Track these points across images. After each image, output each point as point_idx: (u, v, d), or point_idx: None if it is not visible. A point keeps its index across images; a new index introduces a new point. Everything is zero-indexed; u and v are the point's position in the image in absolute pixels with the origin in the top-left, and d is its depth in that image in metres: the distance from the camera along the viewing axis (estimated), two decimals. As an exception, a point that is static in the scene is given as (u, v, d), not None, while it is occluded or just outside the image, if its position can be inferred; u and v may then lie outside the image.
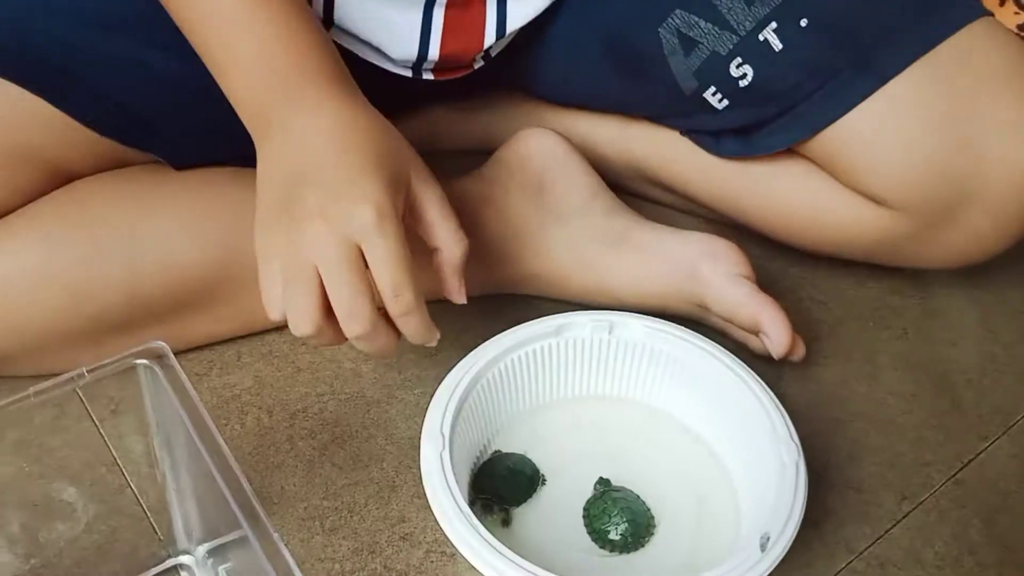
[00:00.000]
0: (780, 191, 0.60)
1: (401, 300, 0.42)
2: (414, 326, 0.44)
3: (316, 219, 0.41)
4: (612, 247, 0.59)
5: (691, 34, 0.55)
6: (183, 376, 0.39)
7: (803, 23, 0.53)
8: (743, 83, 0.55)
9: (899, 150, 0.53)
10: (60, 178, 0.53)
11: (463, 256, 0.47)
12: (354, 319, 0.42)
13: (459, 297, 0.48)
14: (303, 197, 0.42)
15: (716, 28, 0.54)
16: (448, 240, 0.46)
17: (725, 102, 0.56)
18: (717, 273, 0.56)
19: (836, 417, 0.57)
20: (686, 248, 0.57)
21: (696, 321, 0.58)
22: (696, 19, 0.54)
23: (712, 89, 0.56)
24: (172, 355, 0.40)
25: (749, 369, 0.50)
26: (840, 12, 0.54)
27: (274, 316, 0.44)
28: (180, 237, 0.53)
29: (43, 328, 0.52)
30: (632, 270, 0.58)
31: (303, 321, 0.42)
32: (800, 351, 0.56)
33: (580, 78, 0.62)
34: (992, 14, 0.54)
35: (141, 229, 0.53)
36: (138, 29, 0.51)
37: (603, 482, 0.50)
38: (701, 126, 0.60)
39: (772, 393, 0.49)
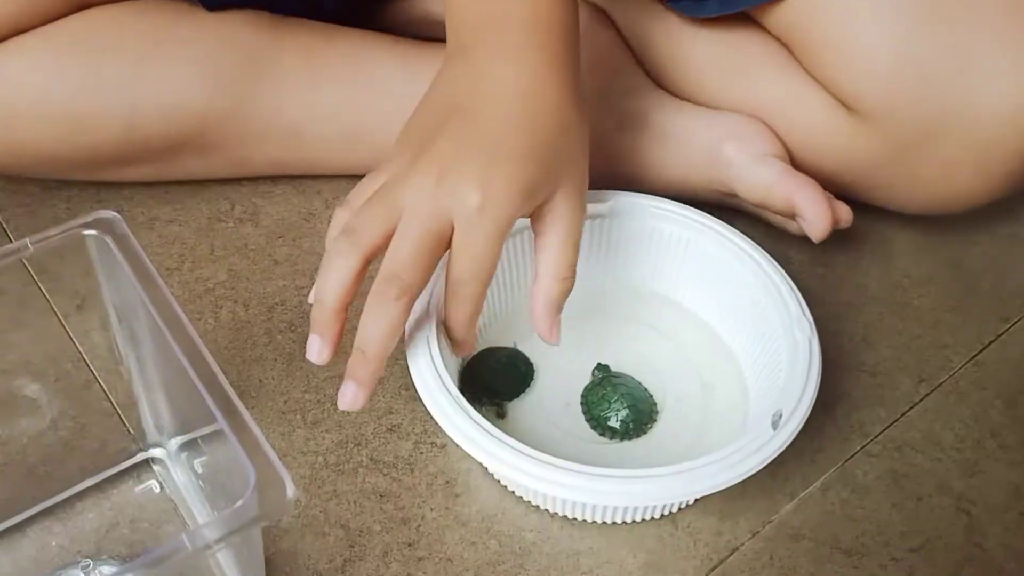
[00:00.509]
0: (757, 85, 0.54)
1: (461, 292, 0.39)
2: (462, 323, 0.40)
3: (433, 172, 0.37)
4: (630, 132, 0.55)
5: None
6: (137, 247, 0.36)
7: None
8: None
9: (877, 40, 0.47)
10: (79, 3, 0.52)
11: (562, 295, 0.41)
12: (393, 279, 0.37)
13: (549, 336, 0.41)
14: (443, 140, 0.38)
15: None
16: (553, 271, 0.40)
17: None
18: (743, 155, 0.51)
19: (848, 301, 0.54)
20: (710, 131, 0.53)
21: (732, 209, 0.54)
22: None
23: None
24: (125, 224, 0.37)
25: (761, 249, 0.47)
26: None
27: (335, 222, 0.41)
28: (186, 79, 0.52)
29: (39, 151, 0.52)
30: (651, 156, 0.54)
31: (339, 264, 0.38)
32: (846, 216, 0.51)
33: None
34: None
35: (148, 65, 0.51)
36: None
37: (601, 368, 0.47)
38: None
39: (784, 272, 0.46)
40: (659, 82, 0.58)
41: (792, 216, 0.51)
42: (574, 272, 0.41)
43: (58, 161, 0.53)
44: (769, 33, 0.54)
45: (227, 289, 0.53)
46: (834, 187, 0.53)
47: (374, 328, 0.38)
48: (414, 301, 0.38)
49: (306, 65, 0.56)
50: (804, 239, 0.52)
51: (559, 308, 0.41)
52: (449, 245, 0.38)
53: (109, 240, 0.36)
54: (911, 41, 0.46)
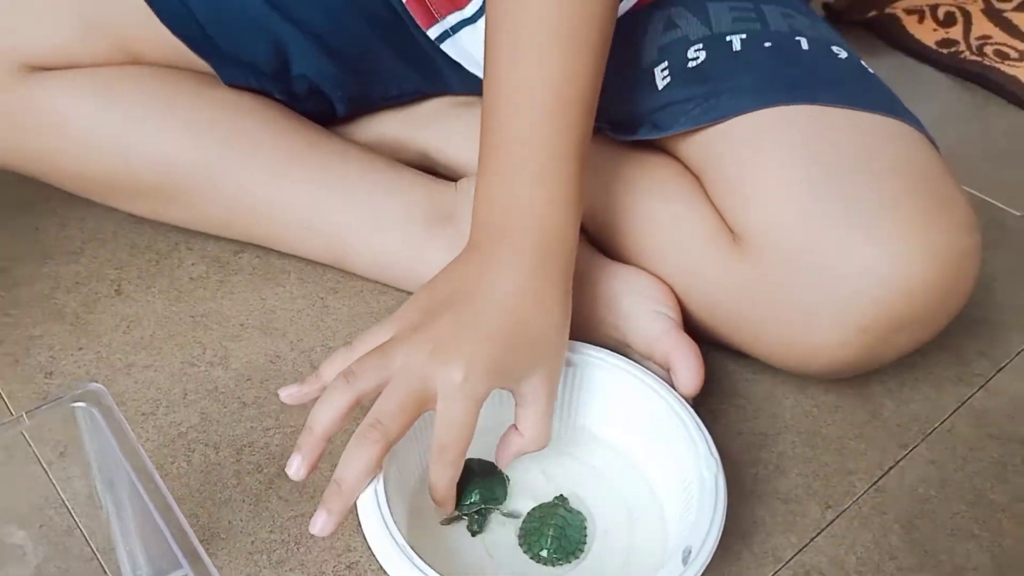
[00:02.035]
0: (658, 202, 0.61)
1: (443, 456, 0.46)
2: (444, 483, 0.48)
3: (428, 345, 0.46)
4: None
5: (677, 20, 0.62)
6: (120, 417, 0.42)
7: (766, 45, 0.59)
8: (692, 64, 0.60)
9: (775, 183, 0.54)
10: (127, 56, 0.65)
11: (526, 453, 0.50)
12: (376, 425, 0.45)
13: (503, 465, 0.51)
14: (443, 319, 0.47)
15: (698, 21, 0.61)
16: (530, 436, 0.49)
17: (668, 79, 0.61)
18: (639, 308, 0.58)
19: (764, 431, 0.60)
20: (611, 281, 0.60)
21: (622, 354, 0.61)
22: (688, 14, 0.62)
23: (664, 64, 0.61)
24: (110, 397, 0.43)
25: (671, 388, 0.54)
26: (796, 57, 0.59)
27: (324, 372, 0.50)
28: (181, 137, 0.64)
29: (62, 168, 0.66)
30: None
31: (334, 399, 0.46)
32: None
33: None
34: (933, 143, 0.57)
35: (159, 117, 0.64)
36: None
37: (559, 499, 0.53)
38: (633, 111, 0.62)
39: (692, 410, 0.52)
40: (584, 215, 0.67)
41: (667, 369, 0.57)
42: (547, 436, 0.49)
43: (75, 180, 0.67)
44: (680, 162, 0.62)
45: (199, 432, 0.58)
46: (708, 323, 0.59)
47: (353, 465, 0.45)
48: (390, 447, 0.45)
49: (283, 152, 0.66)
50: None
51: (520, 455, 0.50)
52: (428, 407, 0.46)
53: (96, 411, 0.42)
54: (804, 190, 0.53)
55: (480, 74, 0.68)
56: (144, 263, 0.70)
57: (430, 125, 0.76)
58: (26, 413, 0.42)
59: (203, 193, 0.66)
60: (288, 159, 0.66)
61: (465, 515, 0.52)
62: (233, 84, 0.67)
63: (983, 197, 0.81)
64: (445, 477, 0.47)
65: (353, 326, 0.66)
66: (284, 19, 0.66)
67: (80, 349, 0.63)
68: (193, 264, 0.70)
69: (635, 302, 0.59)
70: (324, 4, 0.68)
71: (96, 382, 0.43)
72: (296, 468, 0.47)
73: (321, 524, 0.46)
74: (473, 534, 0.52)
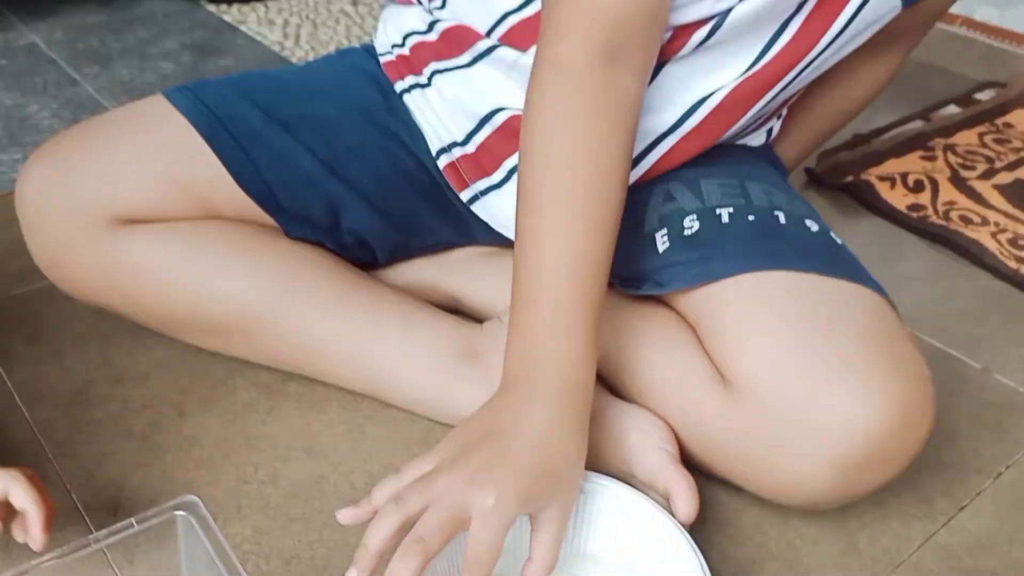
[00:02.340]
0: (659, 350, 0.71)
1: (473, 570, 0.54)
2: None
3: (466, 474, 0.54)
4: None
5: (674, 193, 0.74)
6: (215, 527, 0.50)
7: (750, 218, 0.71)
8: (687, 232, 0.71)
9: (764, 337, 0.63)
10: (205, 211, 0.75)
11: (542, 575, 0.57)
12: (419, 540, 0.52)
13: None
14: (479, 452, 0.55)
15: (692, 195, 0.73)
16: (542, 561, 0.56)
17: (667, 244, 0.71)
18: (643, 443, 0.68)
19: (752, 558, 0.68)
20: (621, 418, 0.69)
21: (625, 482, 0.70)
22: (684, 188, 0.74)
23: (664, 231, 0.72)
24: (204, 508, 0.51)
25: (669, 514, 0.62)
26: (775, 229, 0.70)
27: (375, 497, 0.57)
28: (248, 280, 0.75)
29: (147, 309, 0.77)
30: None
31: (386, 521, 0.54)
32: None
33: None
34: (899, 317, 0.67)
35: (231, 264, 0.75)
36: (307, 137, 0.77)
37: None
38: (638, 270, 0.73)
39: (688, 536, 0.60)
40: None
41: (667, 499, 0.65)
42: (553, 563, 0.57)
43: (157, 318, 0.78)
44: (679, 314, 0.72)
45: (252, 544, 0.66)
46: (702, 457, 0.68)
47: (400, 569, 0.52)
48: (430, 559, 0.53)
49: (333, 294, 0.77)
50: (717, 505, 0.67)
51: None
52: (464, 527, 0.54)
53: (193, 520, 0.51)
54: (785, 345, 0.63)
55: (504, 231, 0.80)
56: (203, 388, 0.79)
57: (459, 271, 0.87)
58: (135, 519, 0.50)
59: (263, 329, 0.76)
60: (337, 301, 0.77)
61: None
62: (293, 236, 0.78)
63: (947, 350, 0.91)
64: None
65: (389, 451, 0.74)
66: (339, 182, 0.78)
67: (147, 465, 0.71)
68: (246, 390, 0.79)
69: (640, 438, 0.68)
70: (373, 168, 0.80)
71: (193, 494, 0.51)
72: None
73: None
74: None
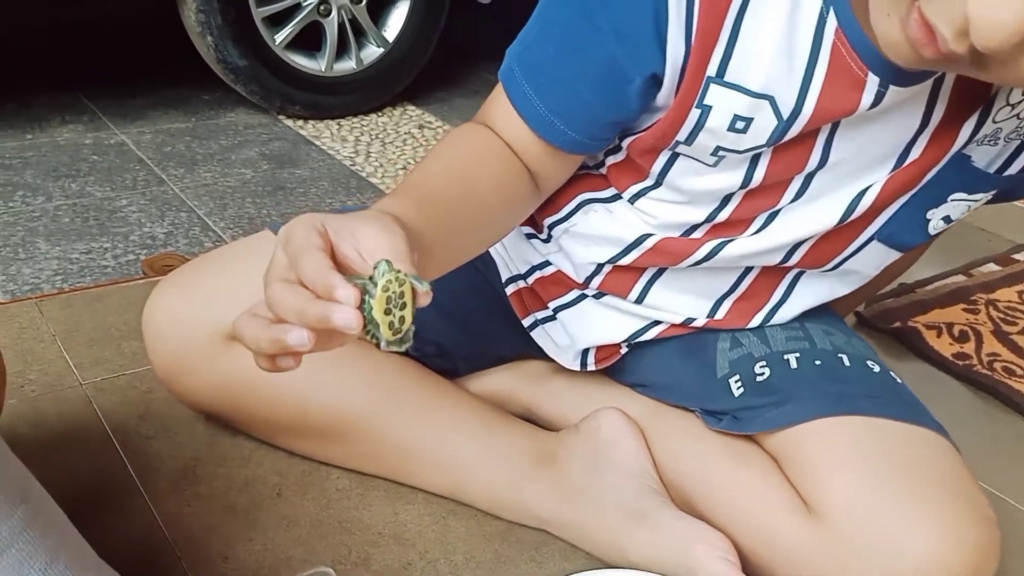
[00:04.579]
0: (740, 480, 0.79)
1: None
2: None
3: None
4: (633, 520, 0.79)
5: (741, 340, 0.83)
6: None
7: (817, 363, 0.79)
8: (760, 379, 0.80)
9: (845, 467, 0.72)
10: None
11: None
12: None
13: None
14: None
15: (758, 341, 0.82)
16: None
17: (741, 390, 0.80)
18: (709, 555, 0.75)
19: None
20: (690, 531, 0.77)
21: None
22: (749, 334, 0.83)
23: (736, 377, 0.81)
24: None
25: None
26: (843, 375, 0.78)
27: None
28: (356, 387, 0.83)
29: (251, 416, 0.86)
30: (644, 543, 0.78)
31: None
32: None
33: (659, 370, 0.87)
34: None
35: (338, 371, 0.83)
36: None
37: None
38: (717, 407, 0.82)
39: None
40: (668, 473, 0.84)
41: None
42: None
43: (262, 424, 0.86)
44: (760, 446, 0.80)
45: (349, 619, 0.73)
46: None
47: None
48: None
49: (423, 402, 0.86)
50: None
51: None
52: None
53: (327, 584, 0.59)
54: (873, 481, 0.71)
55: (556, 358, 0.90)
56: (300, 472, 0.87)
57: (533, 383, 0.97)
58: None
59: (360, 435, 0.85)
60: (426, 408, 0.86)
61: None
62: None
63: (994, 492, 0.98)
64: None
65: (471, 543, 0.82)
66: None
67: (250, 540, 0.79)
68: (338, 477, 0.88)
69: (706, 550, 0.76)
70: (451, 288, 0.89)
71: (327, 567, 0.59)
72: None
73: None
74: None
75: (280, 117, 1.88)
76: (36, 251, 1.27)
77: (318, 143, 1.78)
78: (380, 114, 1.96)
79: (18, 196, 1.44)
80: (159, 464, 0.86)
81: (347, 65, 1.88)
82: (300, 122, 1.87)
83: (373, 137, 1.84)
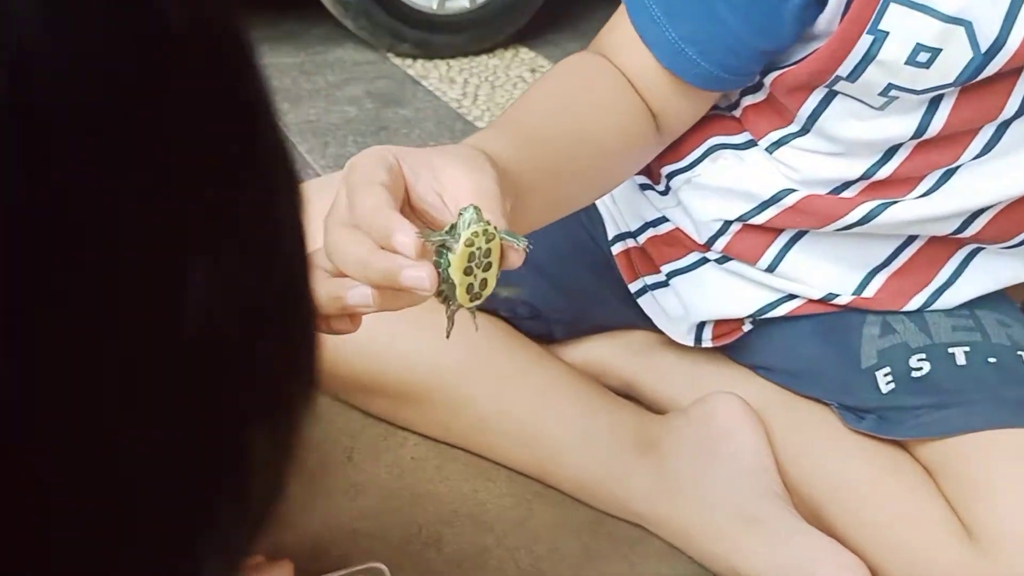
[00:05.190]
0: (889, 496, 0.66)
1: None
2: None
3: None
4: (745, 525, 0.67)
5: (894, 325, 0.69)
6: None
7: (991, 360, 0.65)
8: (916, 374, 0.66)
9: (1015, 492, 0.59)
10: None
11: None
12: None
13: None
14: None
15: (916, 328, 0.68)
16: None
17: (892, 386, 0.66)
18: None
19: None
20: (816, 548, 0.64)
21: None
22: (905, 318, 0.68)
23: (886, 370, 0.67)
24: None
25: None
26: (1021, 375, 0.64)
27: None
28: (426, 346, 0.72)
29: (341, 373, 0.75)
30: (757, 553, 0.66)
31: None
32: None
33: (788, 354, 0.74)
34: None
35: (409, 333, 0.73)
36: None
37: None
38: (860, 403, 0.69)
39: None
40: (792, 474, 0.72)
41: None
42: None
43: (337, 379, 0.75)
44: (910, 454, 0.67)
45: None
46: None
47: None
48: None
49: (509, 369, 0.75)
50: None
51: None
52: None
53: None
54: None
55: (667, 331, 0.77)
56: (373, 436, 0.79)
57: (637, 357, 0.85)
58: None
59: (434, 399, 0.75)
60: (513, 375, 0.75)
61: None
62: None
63: None
64: None
65: (556, 534, 0.72)
66: None
67: (313, 507, 0.71)
68: (415, 445, 0.78)
69: (833, 573, 0.63)
70: (550, 243, 0.78)
71: (378, 562, 0.50)
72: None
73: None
74: None
75: (388, 55, 1.80)
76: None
77: (425, 83, 1.68)
78: (491, 56, 1.84)
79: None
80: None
81: (459, 3, 1.78)
82: (408, 61, 1.78)
83: (482, 79, 1.73)
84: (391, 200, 0.41)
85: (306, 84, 1.63)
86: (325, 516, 0.70)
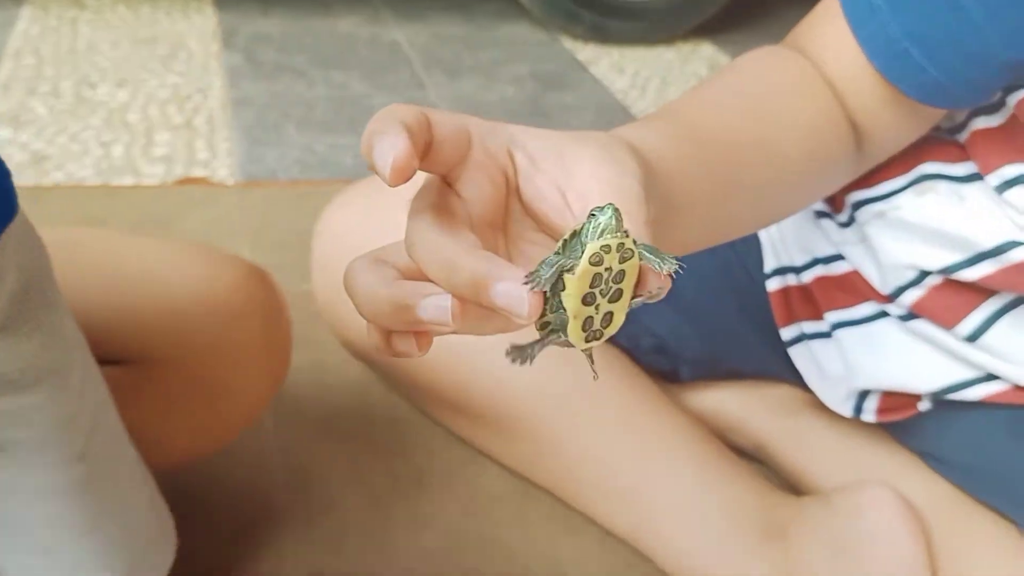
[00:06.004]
0: None
1: None
2: None
3: None
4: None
5: None
6: None
7: None
8: None
9: None
10: None
11: None
12: None
13: None
14: None
15: None
16: None
17: None
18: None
19: None
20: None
21: None
22: None
23: None
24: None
25: None
26: None
27: None
28: (517, 374, 0.59)
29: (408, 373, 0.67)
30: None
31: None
32: None
33: (971, 446, 0.59)
34: None
35: None
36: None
37: None
38: None
39: None
40: None
41: None
42: None
43: (418, 391, 0.68)
44: None
45: None
46: None
47: None
48: None
49: (616, 414, 0.62)
50: None
51: None
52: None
53: None
54: None
55: (819, 393, 0.62)
56: (450, 460, 0.68)
57: (776, 417, 0.70)
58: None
59: (520, 429, 0.63)
60: (617, 417, 0.62)
61: None
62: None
63: None
64: None
65: (642, 619, 0.59)
66: None
67: (370, 534, 0.62)
68: (496, 476, 0.67)
69: None
70: (689, 265, 0.64)
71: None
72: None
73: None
74: None
75: (559, 36, 1.68)
76: (284, 136, 1.20)
77: (592, 70, 1.56)
78: (668, 47, 1.70)
79: (283, 79, 1.39)
80: (300, 404, 0.71)
81: (643, -13, 1.64)
82: (579, 44, 1.66)
83: (654, 72, 1.59)
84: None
85: (468, 58, 1.54)
86: (381, 547, 0.61)
